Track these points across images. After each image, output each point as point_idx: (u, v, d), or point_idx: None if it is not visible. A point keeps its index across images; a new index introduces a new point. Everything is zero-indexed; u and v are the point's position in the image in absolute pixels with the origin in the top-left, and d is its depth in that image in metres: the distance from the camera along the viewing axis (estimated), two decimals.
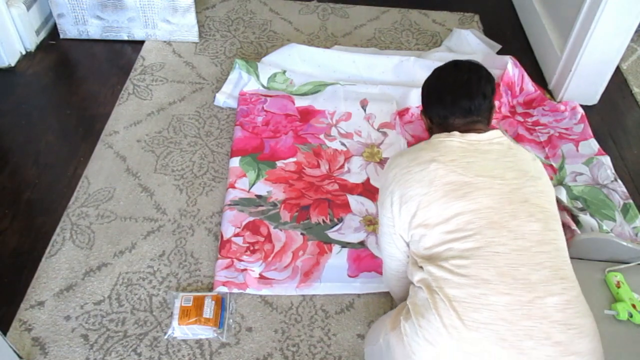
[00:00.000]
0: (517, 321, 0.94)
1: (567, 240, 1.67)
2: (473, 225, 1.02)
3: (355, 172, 1.89)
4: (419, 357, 1.00)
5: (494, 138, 1.14)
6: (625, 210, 1.84)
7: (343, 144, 1.98)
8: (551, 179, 1.85)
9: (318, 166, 1.89)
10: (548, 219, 1.06)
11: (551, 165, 1.97)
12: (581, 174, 1.94)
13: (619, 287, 1.16)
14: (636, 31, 2.12)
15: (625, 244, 1.19)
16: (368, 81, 2.22)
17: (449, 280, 0.99)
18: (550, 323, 0.94)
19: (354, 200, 1.79)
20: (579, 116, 2.16)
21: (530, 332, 0.93)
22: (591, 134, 2.10)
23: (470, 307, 0.95)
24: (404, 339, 1.03)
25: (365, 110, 2.10)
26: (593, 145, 2.05)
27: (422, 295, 1.04)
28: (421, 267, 1.07)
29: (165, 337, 1.44)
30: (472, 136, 1.13)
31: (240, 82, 2.17)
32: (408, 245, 1.15)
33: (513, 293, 0.96)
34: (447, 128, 1.19)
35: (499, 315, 0.94)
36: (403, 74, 2.23)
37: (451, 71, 1.25)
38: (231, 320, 1.48)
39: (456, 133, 1.14)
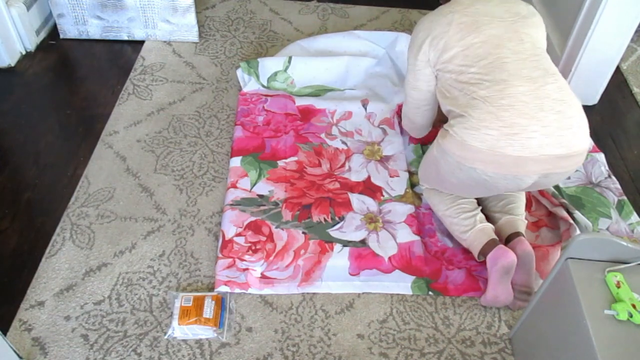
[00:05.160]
0: (531, 101, 1.38)
1: (564, 234, 1.69)
2: (482, 49, 1.46)
3: (356, 170, 1.89)
4: (475, 135, 1.39)
5: None
6: (620, 207, 1.84)
7: (344, 143, 1.98)
8: None
9: (319, 165, 1.89)
10: (534, 42, 1.51)
11: None
12: (575, 170, 1.94)
13: (619, 287, 1.15)
14: (636, 31, 2.12)
15: (625, 244, 1.19)
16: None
17: (479, 85, 1.43)
18: (552, 100, 1.39)
19: (355, 199, 1.79)
20: None
21: (540, 106, 1.37)
22: None
23: (497, 96, 1.39)
24: (456, 133, 1.42)
25: (366, 109, 2.10)
26: None
27: (463, 100, 1.45)
28: (455, 92, 1.48)
29: (165, 337, 1.44)
30: None
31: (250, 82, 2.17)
32: (437, 79, 1.58)
33: (524, 84, 1.40)
34: None
35: (517, 99, 1.38)
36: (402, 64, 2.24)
37: None
38: (231, 321, 1.48)
39: None
